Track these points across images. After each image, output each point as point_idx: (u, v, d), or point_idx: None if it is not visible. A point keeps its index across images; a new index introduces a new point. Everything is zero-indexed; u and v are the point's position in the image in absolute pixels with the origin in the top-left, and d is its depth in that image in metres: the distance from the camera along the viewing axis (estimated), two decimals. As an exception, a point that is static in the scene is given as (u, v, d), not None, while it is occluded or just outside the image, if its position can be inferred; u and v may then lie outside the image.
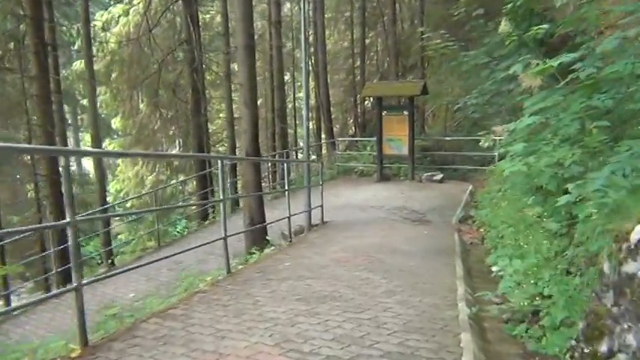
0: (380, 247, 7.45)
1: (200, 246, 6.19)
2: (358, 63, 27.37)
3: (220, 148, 30.87)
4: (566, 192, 4.32)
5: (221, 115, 29.50)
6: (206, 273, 7.64)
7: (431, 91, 16.24)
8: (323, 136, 24.45)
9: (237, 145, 17.25)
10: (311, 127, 31.50)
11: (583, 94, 4.68)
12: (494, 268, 4.28)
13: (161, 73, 18.66)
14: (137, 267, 6.67)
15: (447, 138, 17.00)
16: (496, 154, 14.84)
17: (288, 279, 5.46)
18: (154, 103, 20.04)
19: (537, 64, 5.11)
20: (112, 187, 26.04)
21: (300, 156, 23.27)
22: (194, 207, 17.43)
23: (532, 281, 4.11)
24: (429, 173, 15.51)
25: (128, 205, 24.54)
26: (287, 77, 28.73)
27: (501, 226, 6.55)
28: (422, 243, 7.84)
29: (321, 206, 10.25)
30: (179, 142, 25.46)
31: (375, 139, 16.21)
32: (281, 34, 18.51)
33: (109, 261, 13.09)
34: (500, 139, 6.74)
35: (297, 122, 31.48)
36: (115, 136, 28.36)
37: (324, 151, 23.01)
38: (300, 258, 6.76)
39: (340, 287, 5.02)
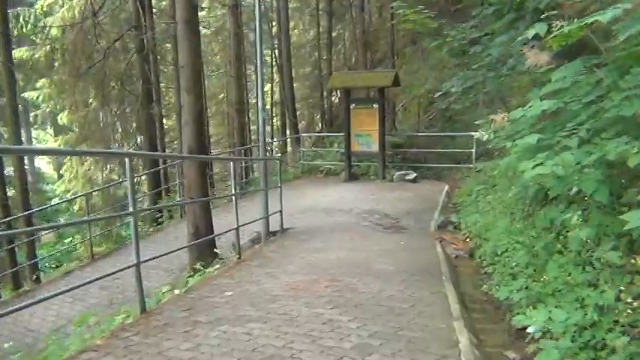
0: (348, 265, 6.04)
1: (115, 272, 4.65)
2: (325, 56, 25.96)
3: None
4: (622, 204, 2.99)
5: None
6: (130, 301, 6.09)
7: (403, 83, 14.94)
8: (288, 132, 22.99)
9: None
10: (275, 123, 30.05)
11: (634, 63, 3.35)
12: (530, 329, 2.93)
13: (108, 62, 16.83)
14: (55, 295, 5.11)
15: (420, 134, 15.74)
16: (473, 150, 13.66)
17: (223, 321, 3.99)
18: (102, 95, 18.16)
19: (561, 27, 3.75)
20: (57, 187, 24.03)
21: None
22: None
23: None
24: (401, 172, 14.22)
25: (76, 208, 22.72)
26: (251, 71, 27.15)
27: (502, 242, 5.20)
28: (399, 258, 6.46)
29: (280, 212, 8.77)
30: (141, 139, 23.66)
31: (342, 134, 14.83)
32: (239, 19, 16.93)
33: (34, 277, 11.30)
34: (490, 133, 5.37)
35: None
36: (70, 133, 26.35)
37: (289, 149, 21.53)
38: (247, 283, 5.29)
39: (293, 339, 3.57)
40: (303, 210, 11.21)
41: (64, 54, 18.34)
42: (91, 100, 21.12)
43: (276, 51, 23.58)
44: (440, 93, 8.61)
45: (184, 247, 7.66)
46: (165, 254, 5.39)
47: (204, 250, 7.81)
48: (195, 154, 7.61)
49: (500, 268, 4.87)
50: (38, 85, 21.42)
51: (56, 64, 19.08)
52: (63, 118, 22.95)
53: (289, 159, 17.14)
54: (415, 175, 14.04)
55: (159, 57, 18.98)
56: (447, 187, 13.03)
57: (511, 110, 5.15)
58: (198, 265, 7.55)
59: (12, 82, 12.10)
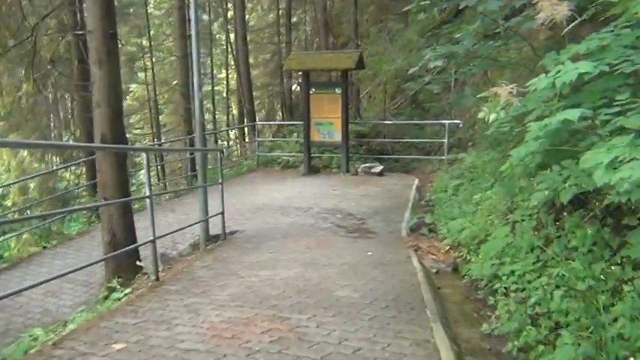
0: (299, 292, 4.56)
1: None
2: (285, 41, 24.30)
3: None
4: None
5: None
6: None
7: (368, 65, 13.48)
8: (245, 121, 21.26)
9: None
10: (232, 112, 28.25)
11: None
12: None
13: (40, 41, 14.79)
14: None
15: (387, 121, 14.35)
16: (445, 141, 12.37)
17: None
18: (34, 79, 16.08)
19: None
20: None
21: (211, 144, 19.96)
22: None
23: None
24: (367, 165, 12.81)
25: (9, 203, 20.55)
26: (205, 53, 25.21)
27: (509, 267, 3.79)
28: (367, 277, 5.02)
29: (222, 214, 7.20)
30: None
31: (301, 123, 13.31)
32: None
33: None
34: (499, 111, 3.93)
35: (221, 107, 28.02)
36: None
37: (247, 140, 19.84)
38: (154, 324, 3.75)
39: None
40: (255, 208, 9.69)
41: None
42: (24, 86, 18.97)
43: (232, 35, 21.85)
44: (414, 69, 7.15)
45: (98, 261, 6.02)
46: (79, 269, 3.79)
47: (124, 262, 6.21)
48: (110, 143, 5.97)
49: (512, 305, 3.45)
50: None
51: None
52: (-7, 105, 20.70)
53: (244, 150, 15.48)
54: (381, 167, 12.66)
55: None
56: (417, 182, 11.70)
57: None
58: (114, 283, 5.96)
59: None
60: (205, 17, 23.74)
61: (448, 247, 6.06)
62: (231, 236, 7.43)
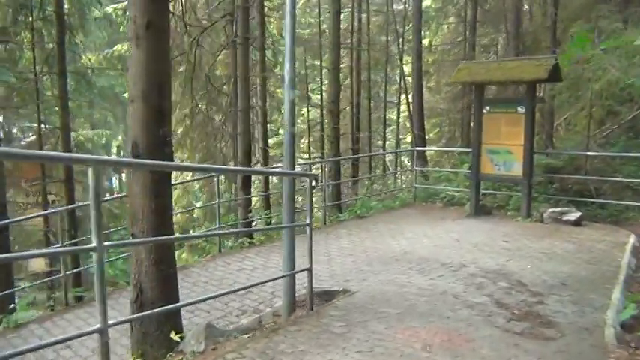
0: None
1: None
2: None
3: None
4: None
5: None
6: None
7: (566, 77, 10.12)
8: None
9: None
10: (403, 139, 25.94)
11: None
12: None
13: (195, 54, 14.35)
14: None
15: (590, 153, 10.74)
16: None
17: None
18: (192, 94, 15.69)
19: None
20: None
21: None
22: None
23: None
24: (557, 209, 9.46)
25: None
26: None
27: None
28: None
29: (309, 270, 4.89)
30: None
31: (470, 150, 10.51)
32: None
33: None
34: None
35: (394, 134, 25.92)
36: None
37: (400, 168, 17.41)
38: None
39: None
40: (388, 258, 7.30)
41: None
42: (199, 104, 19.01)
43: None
44: None
45: (124, 321, 4.15)
46: None
47: (153, 331, 4.25)
48: (144, 154, 4.12)
49: None
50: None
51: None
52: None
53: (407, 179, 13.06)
54: (579, 215, 9.22)
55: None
56: (633, 239, 8.12)
57: None
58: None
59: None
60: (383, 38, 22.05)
61: None
62: (326, 304, 5.09)
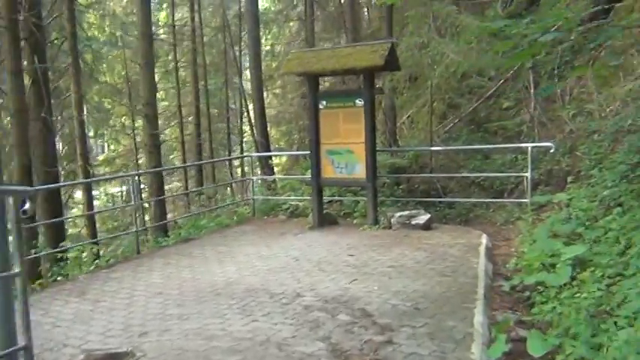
0: None
1: None
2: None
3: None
4: None
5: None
6: None
7: (404, 65, 9.23)
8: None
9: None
10: (251, 147, 24.41)
11: None
12: None
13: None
14: None
15: (435, 148, 10.02)
16: (527, 175, 7.97)
17: None
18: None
19: None
20: None
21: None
22: None
23: None
24: (405, 213, 8.47)
25: None
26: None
27: None
28: None
29: (26, 349, 2.97)
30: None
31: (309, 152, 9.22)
32: None
33: None
34: None
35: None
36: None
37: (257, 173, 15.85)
38: None
39: None
40: (207, 293, 5.68)
41: None
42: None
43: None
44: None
45: None
46: None
47: None
48: None
49: None
50: None
51: None
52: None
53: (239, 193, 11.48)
54: (428, 217, 8.30)
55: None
56: (485, 240, 7.31)
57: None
58: None
59: None
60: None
61: None
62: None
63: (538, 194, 8.08)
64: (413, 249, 7.04)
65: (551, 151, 7.83)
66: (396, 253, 6.88)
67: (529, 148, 7.90)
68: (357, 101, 8.40)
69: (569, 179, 7.72)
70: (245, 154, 14.27)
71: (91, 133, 19.17)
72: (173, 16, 17.01)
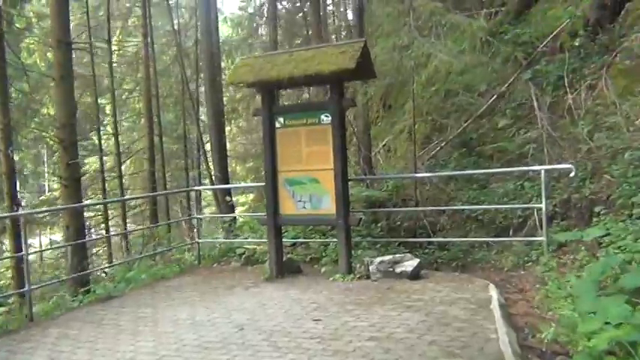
0: None
1: None
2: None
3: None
4: None
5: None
6: None
7: (380, 69, 7.43)
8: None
9: None
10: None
11: None
12: None
13: None
14: None
15: (420, 175, 8.24)
16: (542, 206, 6.18)
17: None
18: None
19: None
20: None
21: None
22: None
23: None
24: (387, 258, 6.58)
25: None
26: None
27: None
28: None
29: None
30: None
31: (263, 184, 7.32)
32: None
33: None
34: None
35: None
36: None
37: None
38: None
39: None
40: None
41: None
42: None
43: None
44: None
45: None
46: None
47: None
48: None
49: None
50: None
51: None
52: None
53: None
54: (416, 263, 6.43)
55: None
56: (495, 294, 5.44)
57: None
58: None
59: None
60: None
61: None
62: None
63: (555, 230, 6.31)
64: (401, 309, 5.15)
65: (572, 174, 6.09)
66: (378, 315, 4.97)
67: (542, 172, 6.14)
68: (322, 117, 6.60)
69: (596, 210, 5.98)
70: (189, 188, 12.27)
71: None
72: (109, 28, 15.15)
